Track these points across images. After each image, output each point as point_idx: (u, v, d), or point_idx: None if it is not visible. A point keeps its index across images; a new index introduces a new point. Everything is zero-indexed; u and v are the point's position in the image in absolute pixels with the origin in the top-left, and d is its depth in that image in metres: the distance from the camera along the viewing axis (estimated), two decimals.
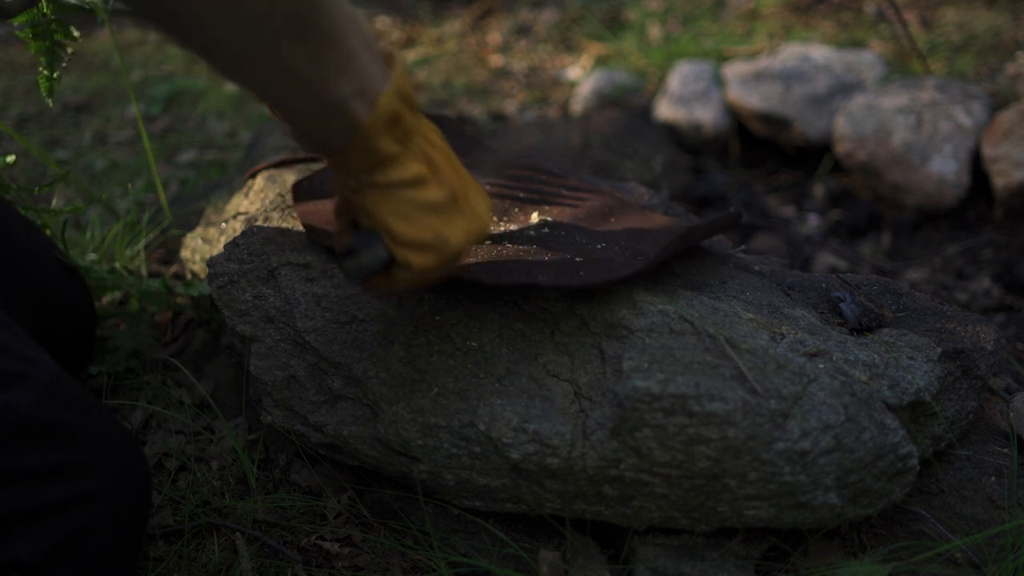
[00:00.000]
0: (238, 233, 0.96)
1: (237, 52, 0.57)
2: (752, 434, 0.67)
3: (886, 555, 0.74)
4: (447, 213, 0.68)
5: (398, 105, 0.63)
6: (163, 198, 1.22)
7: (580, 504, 0.74)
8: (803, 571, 0.74)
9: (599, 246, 0.83)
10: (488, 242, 0.84)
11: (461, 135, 1.04)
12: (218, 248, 1.03)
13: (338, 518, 0.84)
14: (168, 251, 1.30)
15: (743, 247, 0.95)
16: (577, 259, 0.80)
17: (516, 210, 0.91)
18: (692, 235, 0.81)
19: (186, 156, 1.72)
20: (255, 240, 0.92)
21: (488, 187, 0.95)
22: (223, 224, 1.06)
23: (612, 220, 0.89)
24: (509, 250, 0.82)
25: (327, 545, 0.81)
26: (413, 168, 0.65)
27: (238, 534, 0.82)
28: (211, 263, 0.89)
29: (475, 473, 0.74)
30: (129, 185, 1.41)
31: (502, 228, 0.88)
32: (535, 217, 0.90)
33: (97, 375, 1.01)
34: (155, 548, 0.82)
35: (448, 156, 0.69)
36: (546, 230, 0.86)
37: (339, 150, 0.64)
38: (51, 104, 1.00)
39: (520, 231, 0.86)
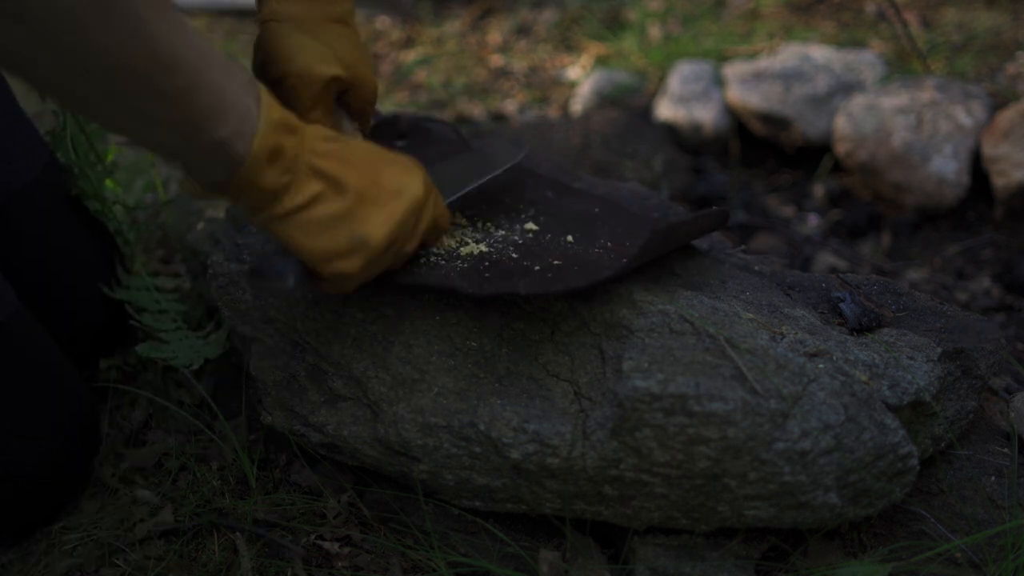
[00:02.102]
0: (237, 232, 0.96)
1: (96, 107, 0.56)
2: (752, 434, 0.67)
3: (886, 555, 0.74)
4: (358, 213, 0.67)
5: (274, 137, 0.62)
6: (163, 198, 1.22)
7: (580, 504, 0.74)
8: (803, 571, 0.74)
9: (585, 251, 0.83)
10: (475, 249, 0.83)
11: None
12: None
13: (338, 518, 0.84)
14: (168, 251, 1.30)
15: (743, 247, 0.94)
16: (556, 263, 0.79)
17: (502, 215, 0.91)
18: (675, 231, 0.80)
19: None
20: (255, 240, 0.92)
21: (474, 192, 0.95)
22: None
23: (599, 223, 0.89)
24: (493, 256, 0.82)
25: (327, 545, 0.81)
26: (307, 190, 0.65)
27: (238, 534, 0.82)
28: (211, 263, 0.89)
29: (475, 473, 0.74)
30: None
31: (489, 233, 0.88)
32: (522, 222, 0.90)
33: (107, 369, 1.02)
34: (155, 548, 0.82)
35: (342, 157, 0.68)
36: (531, 236, 0.86)
37: (226, 188, 0.63)
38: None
39: (506, 236, 0.86)
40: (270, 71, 0.81)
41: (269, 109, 0.62)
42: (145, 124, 0.58)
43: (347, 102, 0.86)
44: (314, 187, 0.66)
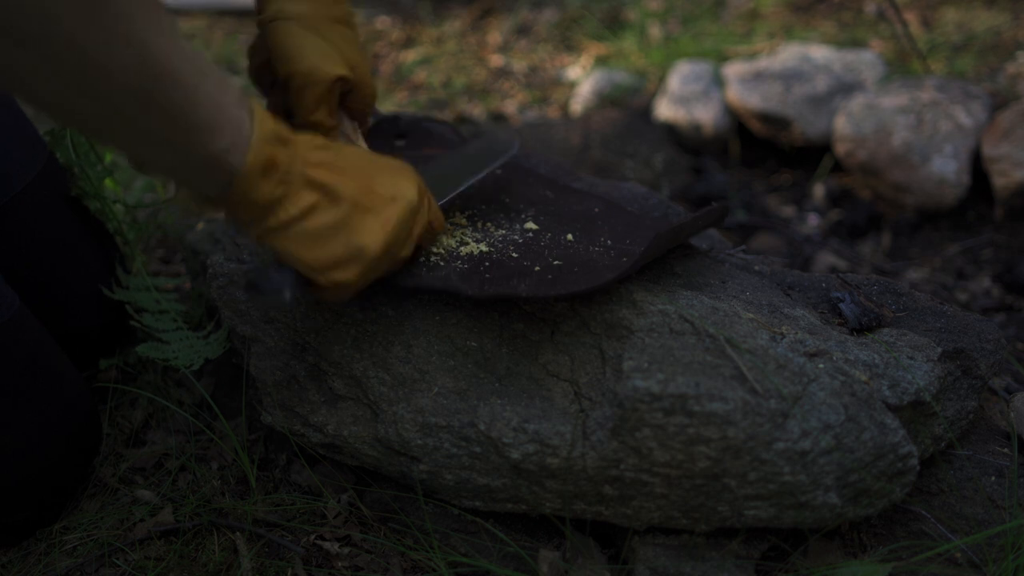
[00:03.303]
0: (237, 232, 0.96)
1: (95, 124, 0.57)
2: (752, 434, 0.67)
3: (886, 555, 0.74)
4: (353, 221, 0.67)
5: (268, 150, 0.62)
6: (163, 197, 1.22)
7: (580, 504, 0.74)
8: (803, 571, 0.74)
9: (585, 249, 0.83)
10: (475, 249, 0.83)
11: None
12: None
13: (338, 518, 0.84)
14: (168, 251, 1.30)
15: (743, 247, 0.95)
16: (556, 263, 0.79)
17: (502, 215, 0.91)
18: (677, 234, 0.80)
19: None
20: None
21: (467, 191, 0.94)
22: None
23: (599, 223, 0.89)
24: (494, 256, 0.82)
25: (327, 545, 0.81)
26: (302, 201, 0.65)
27: (238, 534, 0.82)
28: (211, 263, 0.89)
29: (475, 473, 0.74)
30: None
31: (489, 233, 0.88)
32: (522, 221, 0.89)
33: (107, 368, 1.01)
34: (155, 548, 0.82)
35: (335, 165, 0.68)
36: (531, 235, 0.86)
37: (222, 201, 0.63)
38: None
39: (506, 236, 0.86)
40: (276, 70, 0.81)
41: (262, 121, 0.62)
42: (142, 140, 0.58)
43: (347, 103, 0.86)
44: (309, 198, 0.65)
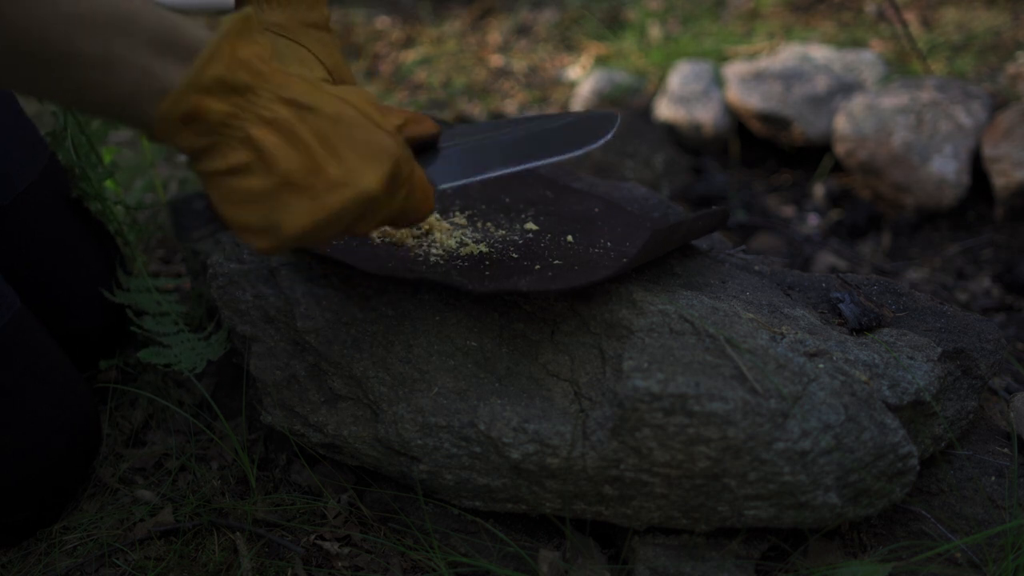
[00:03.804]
0: None
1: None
2: (752, 434, 0.67)
3: (886, 555, 0.74)
4: (281, 197, 0.62)
5: (194, 100, 0.58)
6: (163, 198, 1.22)
7: (580, 504, 0.74)
8: (803, 571, 0.74)
9: (585, 251, 0.83)
10: (475, 249, 0.83)
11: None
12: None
13: (338, 518, 0.84)
14: (168, 251, 1.30)
15: (743, 247, 0.95)
16: (557, 262, 0.79)
17: (502, 215, 0.91)
18: (675, 231, 0.80)
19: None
20: None
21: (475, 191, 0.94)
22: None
23: (599, 223, 0.89)
24: (494, 256, 0.82)
25: (327, 545, 0.81)
26: (229, 158, 0.61)
27: (238, 534, 0.82)
28: (211, 263, 0.89)
29: (475, 473, 0.74)
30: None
31: (489, 233, 0.88)
32: (522, 221, 0.90)
33: (107, 369, 1.02)
34: (155, 548, 0.82)
35: (294, 130, 0.61)
36: (531, 236, 0.86)
37: (151, 135, 0.61)
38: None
39: (506, 236, 0.86)
40: None
41: (203, 67, 0.58)
42: (50, 92, 0.58)
43: None
44: (239, 156, 0.61)
